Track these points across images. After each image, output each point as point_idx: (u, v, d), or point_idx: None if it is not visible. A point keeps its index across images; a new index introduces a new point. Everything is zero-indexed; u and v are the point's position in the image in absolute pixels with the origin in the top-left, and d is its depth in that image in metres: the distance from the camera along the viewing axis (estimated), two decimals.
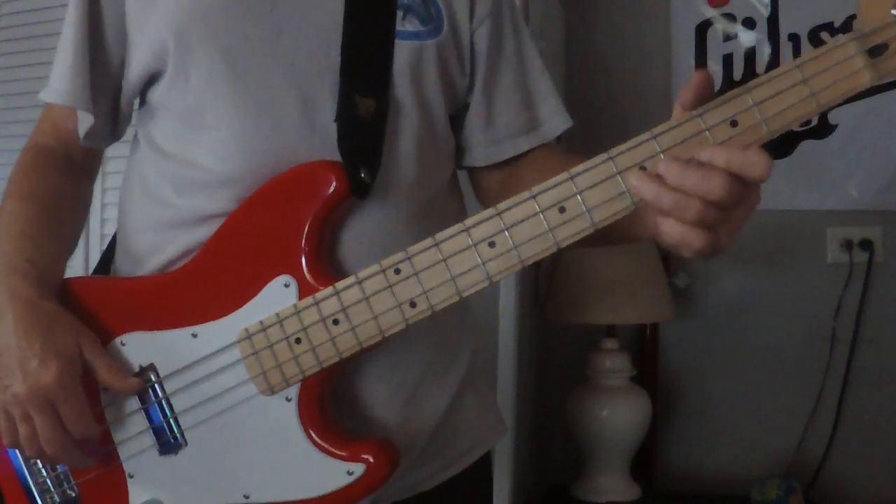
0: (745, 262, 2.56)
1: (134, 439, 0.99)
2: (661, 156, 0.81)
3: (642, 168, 0.82)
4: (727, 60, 2.60)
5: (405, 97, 1.04)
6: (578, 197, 0.84)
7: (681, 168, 0.79)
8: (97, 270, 1.18)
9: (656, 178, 0.80)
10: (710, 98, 0.81)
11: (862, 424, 2.47)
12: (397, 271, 0.90)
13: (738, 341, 2.56)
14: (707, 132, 0.81)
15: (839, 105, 0.80)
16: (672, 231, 0.80)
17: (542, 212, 0.85)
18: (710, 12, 2.61)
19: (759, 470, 2.45)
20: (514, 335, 2.12)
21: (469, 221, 0.88)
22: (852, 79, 0.79)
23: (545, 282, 2.46)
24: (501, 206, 0.86)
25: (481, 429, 1.15)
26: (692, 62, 2.62)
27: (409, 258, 0.90)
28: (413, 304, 0.90)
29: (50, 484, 1.02)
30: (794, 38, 2.54)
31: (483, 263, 0.87)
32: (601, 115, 2.66)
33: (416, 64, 1.05)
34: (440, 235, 0.89)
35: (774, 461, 2.48)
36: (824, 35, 2.50)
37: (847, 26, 2.48)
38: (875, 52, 0.79)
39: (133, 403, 0.99)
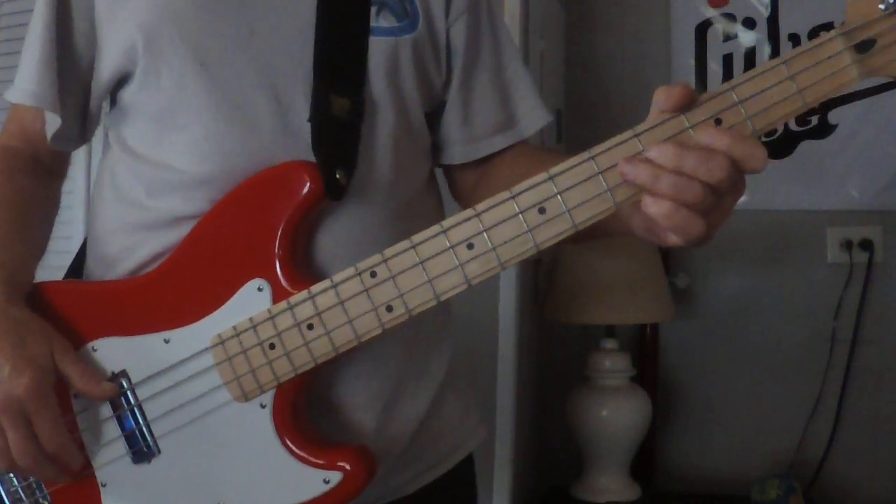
0: (745, 262, 2.56)
1: (106, 447, 0.97)
2: (637, 140, 0.79)
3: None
4: (727, 60, 2.59)
5: (381, 95, 1.02)
6: (559, 197, 0.82)
7: (678, 150, 0.77)
8: (69, 274, 1.15)
9: (648, 161, 0.78)
10: (693, 103, 0.79)
11: (862, 424, 2.46)
12: (373, 274, 0.87)
13: (738, 341, 2.56)
14: (690, 130, 0.79)
15: (840, 101, 0.79)
16: (673, 216, 0.77)
17: (521, 213, 0.83)
18: (710, 12, 2.61)
19: (759, 470, 2.44)
20: (514, 335, 2.12)
21: (447, 223, 0.86)
22: (839, 75, 0.77)
23: (545, 282, 2.46)
24: (480, 206, 0.84)
25: (462, 431, 1.14)
26: (692, 62, 2.62)
27: (385, 261, 0.87)
28: (389, 308, 0.87)
29: (22, 493, 0.99)
30: (794, 38, 2.53)
31: (461, 265, 0.85)
32: (601, 115, 2.65)
33: (392, 61, 1.03)
34: (417, 237, 0.86)
35: (774, 461, 2.48)
36: (824, 35, 2.50)
37: None
38: (862, 47, 0.77)
39: (105, 411, 0.97)
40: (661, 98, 0.79)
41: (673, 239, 0.80)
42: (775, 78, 0.78)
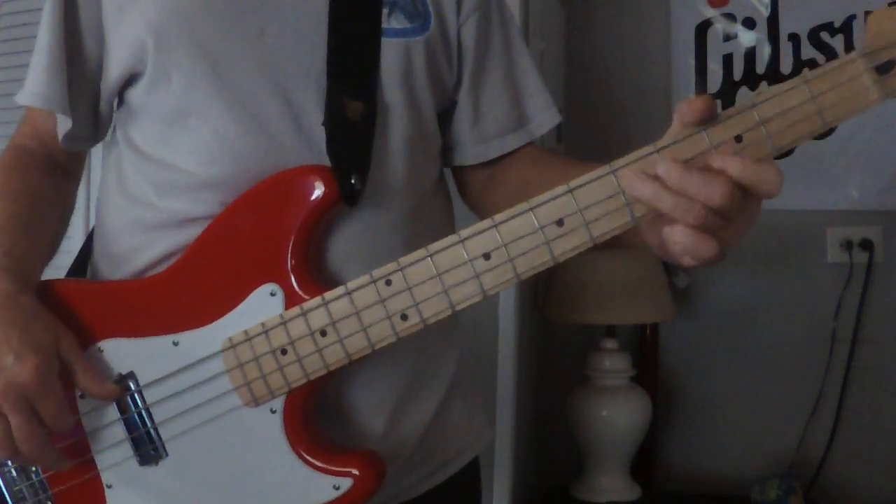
0: (745, 262, 2.56)
1: (113, 449, 0.97)
2: (657, 155, 0.79)
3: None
4: (727, 60, 2.59)
5: (394, 98, 1.01)
6: (578, 210, 0.82)
7: (683, 171, 0.77)
8: (72, 272, 1.15)
9: (655, 178, 0.78)
10: (714, 117, 0.79)
11: (862, 424, 2.46)
12: (388, 283, 0.87)
13: (738, 341, 2.56)
14: (712, 149, 0.79)
15: None
16: (683, 240, 0.77)
17: (539, 225, 0.83)
18: (710, 12, 2.61)
19: (759, 470, 2.44)
20: (514, 335, 2.12)
21: (464, 233, 0.85)
22: (860, 97, 0.77)
23: (545, 282, 2.46)
24: (498, 217, 0.84)
25: (468, 434, 1.13)
26: (692, 62, 2.62)
27: (401, 269, 0.87)
28: (404, 317, 0.87)
29: (26, 493, 0.99)
30: (794, 38, 2.53)
31: (478, 276, 0.85)
32: (601, 115, 2.65)
33: (405, 63, 1.02)
34: (433, 246, 0.86)
35: (774, 461, 2.48)
36: (824, 35, 2.50)
37: (847, 26, 2.47)
38: (883, 69, 0.77)
39: (112, 412, 0.96)
40: (684, 111, 0.79)
41: (687, 261, 0.80)
42: (797, 98, 0.78)
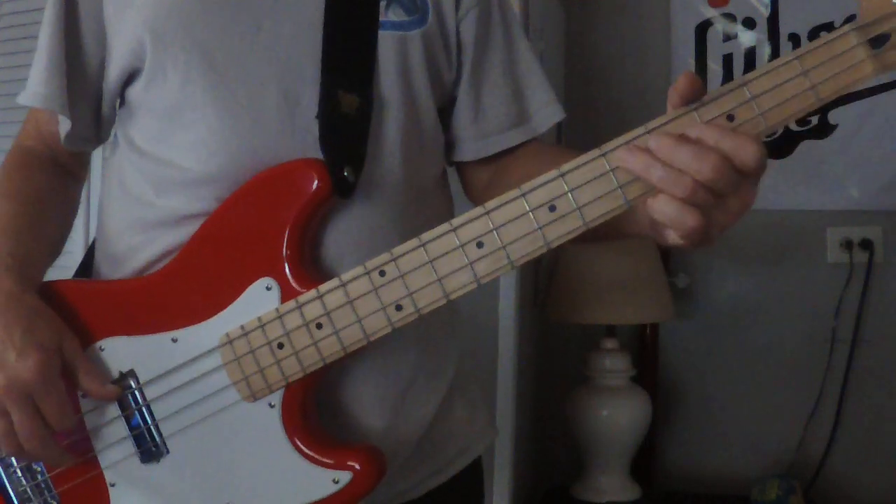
0: (745, 262, 2.56)
1: (114, 447, 0.97)
2: (649, 135, 0.79)
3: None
4: (727, 60, 2.59)
5: (390, 91, 1.01)
6: (569, 195, 0.81)
7: (673, 143, 0.77)
8: (79, 273, 1.15)
9: (646, 151, 0.78)
10: (700, 96, 0.79)
11: (862, 424, 2.46)
12: (382, 273, 0.87)
13: (738, 341, 2.56)
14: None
15: (840, 101, 0.78)
16: (665, 209, 0.77)
17: (531, 211, 0.82)
18: (710, 12, 2.61)
19: (759, 470, 2.44)
20: (513, 335, 2.12)
21: (456, 221, 0.85)
22: (854, 71, 0.76)
23: (545, 282, 2.46)
24: (490, 204, 0.84)
25: (470, 434, 1.13)
26: (692, 62, 2.62)
27: (394, 259, 0.87)
28: (399, 308, 0.87)
29: (30, 492, 0.99)
30: (794, 38, 2.53)
31: (471, 264, 0.85)
32: (601, 115, 2.65)
33: (402, 56, 1.02)
34: (426, 236, 0.86)
35: (774, 461, 2.48)
36: (824, 35, 2.50)
37: None
38: (877, 42, 0.76)
39: (113, 410, 0.96)
40: (671, 93, 0.79)
41: (672, 236, 0.80)
42: (789, 73, 0.77)
